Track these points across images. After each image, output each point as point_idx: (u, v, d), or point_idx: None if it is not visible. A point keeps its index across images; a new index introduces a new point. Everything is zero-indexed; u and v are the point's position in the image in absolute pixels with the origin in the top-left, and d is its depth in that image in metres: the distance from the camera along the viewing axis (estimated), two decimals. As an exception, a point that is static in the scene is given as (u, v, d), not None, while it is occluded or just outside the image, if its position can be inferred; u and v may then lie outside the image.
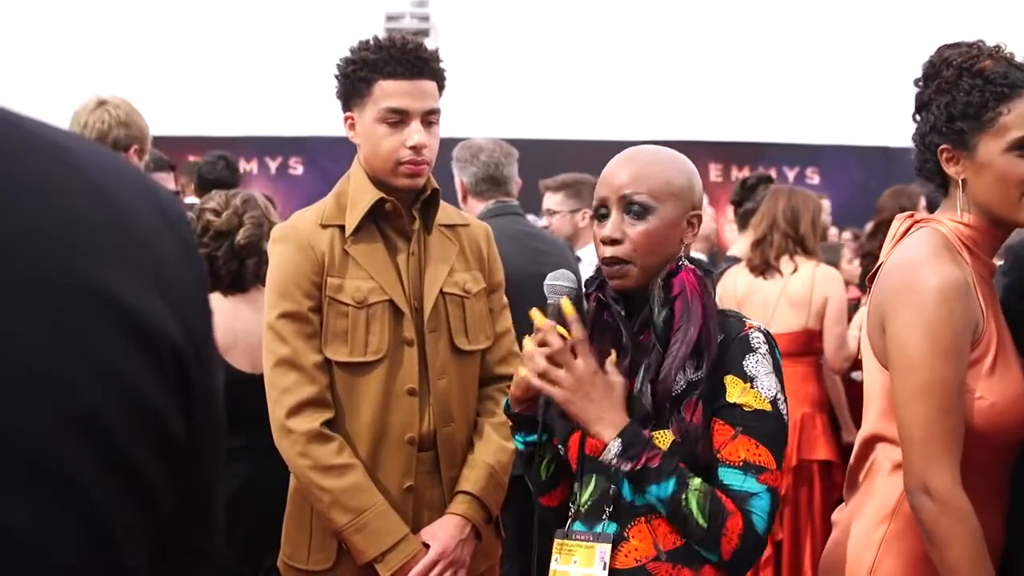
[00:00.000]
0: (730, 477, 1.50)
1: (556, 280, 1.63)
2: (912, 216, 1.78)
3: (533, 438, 1.72)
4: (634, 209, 1.56)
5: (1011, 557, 1.67)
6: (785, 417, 1.54)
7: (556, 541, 1.65)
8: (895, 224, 1.79)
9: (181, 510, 0.56)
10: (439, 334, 2.06)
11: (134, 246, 0.53)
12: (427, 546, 2.00)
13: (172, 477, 0.54)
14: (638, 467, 1.50)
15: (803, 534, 3.55)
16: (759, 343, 1.54)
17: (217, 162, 4.58)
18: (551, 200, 4.09)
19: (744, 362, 1.52)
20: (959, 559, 1.52)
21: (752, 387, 1.51)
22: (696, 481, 1.50)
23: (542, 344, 1.55)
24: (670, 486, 1.49)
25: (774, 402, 1.52)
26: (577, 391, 1.53)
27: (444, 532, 2.02)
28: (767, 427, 1.51)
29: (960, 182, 1.67)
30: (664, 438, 1.54)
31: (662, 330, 1.54)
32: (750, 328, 1.55)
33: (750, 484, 1.49)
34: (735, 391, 1.52)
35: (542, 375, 1.55)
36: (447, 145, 2.58)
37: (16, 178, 0.49)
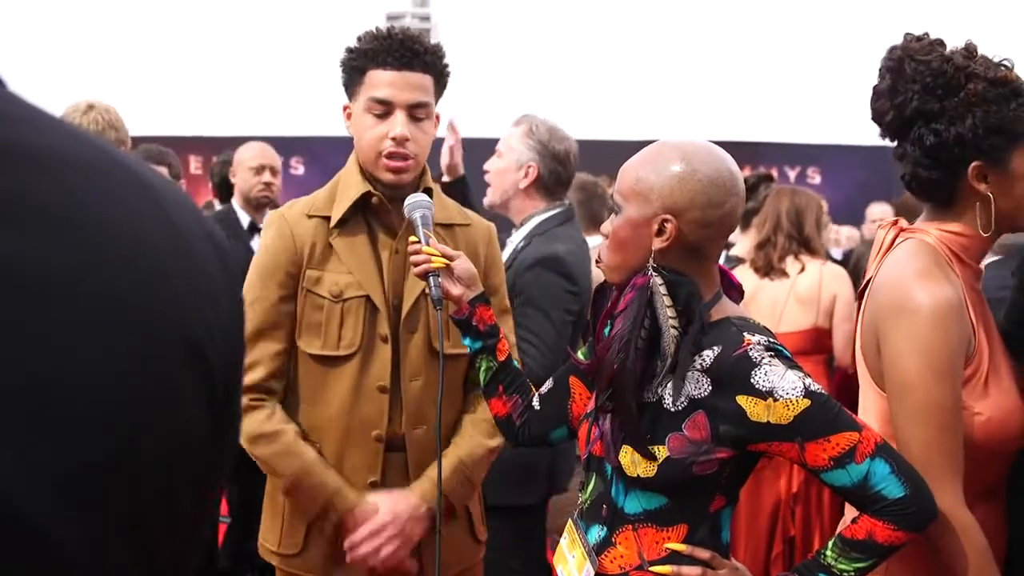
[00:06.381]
0: (834, 478, 1.46)
1: (416, 202, 1.88)
2: (896, 224, 1.75)
3: (478, 344, 1.79)
4: (613, 207, 1.57)
5: (1014, 559, 1.68)
6: (824, 395, 1.45)
7: (570, 521, 1.67)
8: (880, 234, 1.76)
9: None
10: (416, 334, 2.02)
11: (196, 272, 0.52)
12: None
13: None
14: None
15: (813, 530, 3.54)
16: (759, 355, 1.45)
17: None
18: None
19: (752, 379, 1.43)
20: (967, 573, 1.54)
21: (776, 399, 1.43)
22: (820, 562, 1.50)
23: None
24: None
25: (808, 393, 1.43)
26: None
27: (402, 503, 1.99)
28: (819, 418, 1.43)
29: (987, 197, 1.62)
30: (631, 455, 1.51)
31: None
32: (748, 344, 1.46)
33: (855, 471, 1.44)
34: (758, 410, 1.44)
35: None
36: (441, 144, 2.56)
37: (104, 203, 0.49)
